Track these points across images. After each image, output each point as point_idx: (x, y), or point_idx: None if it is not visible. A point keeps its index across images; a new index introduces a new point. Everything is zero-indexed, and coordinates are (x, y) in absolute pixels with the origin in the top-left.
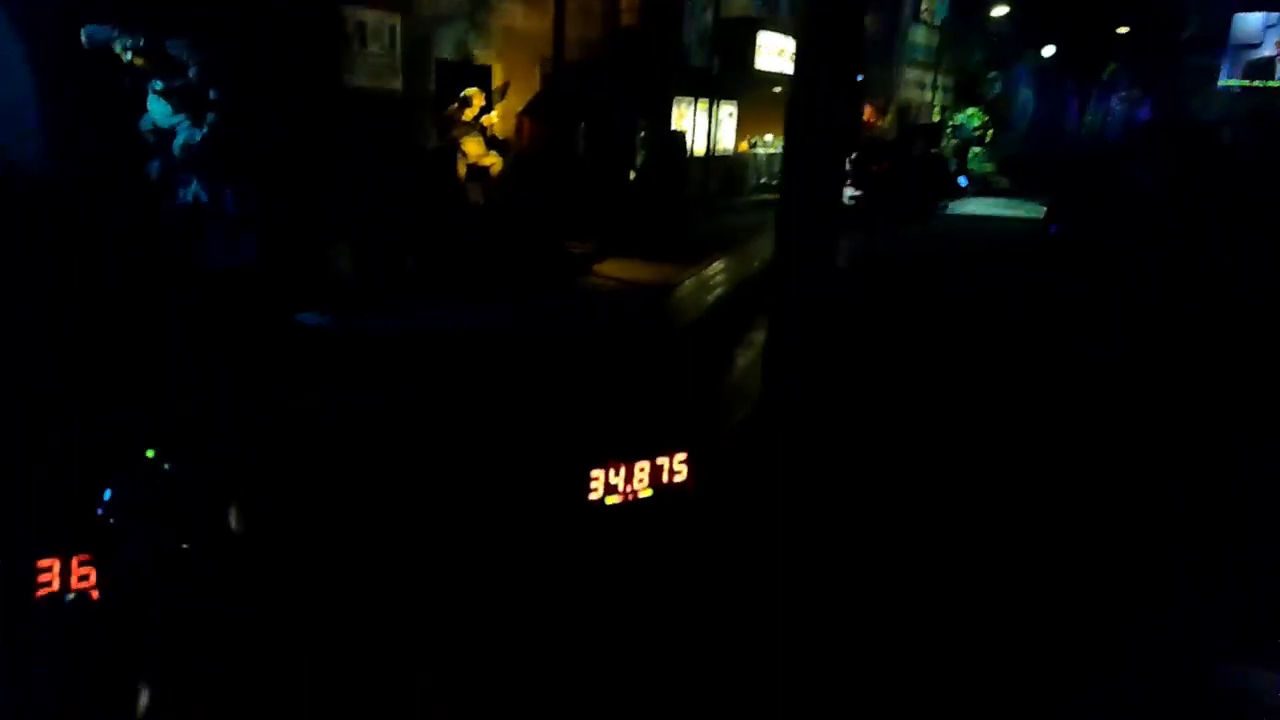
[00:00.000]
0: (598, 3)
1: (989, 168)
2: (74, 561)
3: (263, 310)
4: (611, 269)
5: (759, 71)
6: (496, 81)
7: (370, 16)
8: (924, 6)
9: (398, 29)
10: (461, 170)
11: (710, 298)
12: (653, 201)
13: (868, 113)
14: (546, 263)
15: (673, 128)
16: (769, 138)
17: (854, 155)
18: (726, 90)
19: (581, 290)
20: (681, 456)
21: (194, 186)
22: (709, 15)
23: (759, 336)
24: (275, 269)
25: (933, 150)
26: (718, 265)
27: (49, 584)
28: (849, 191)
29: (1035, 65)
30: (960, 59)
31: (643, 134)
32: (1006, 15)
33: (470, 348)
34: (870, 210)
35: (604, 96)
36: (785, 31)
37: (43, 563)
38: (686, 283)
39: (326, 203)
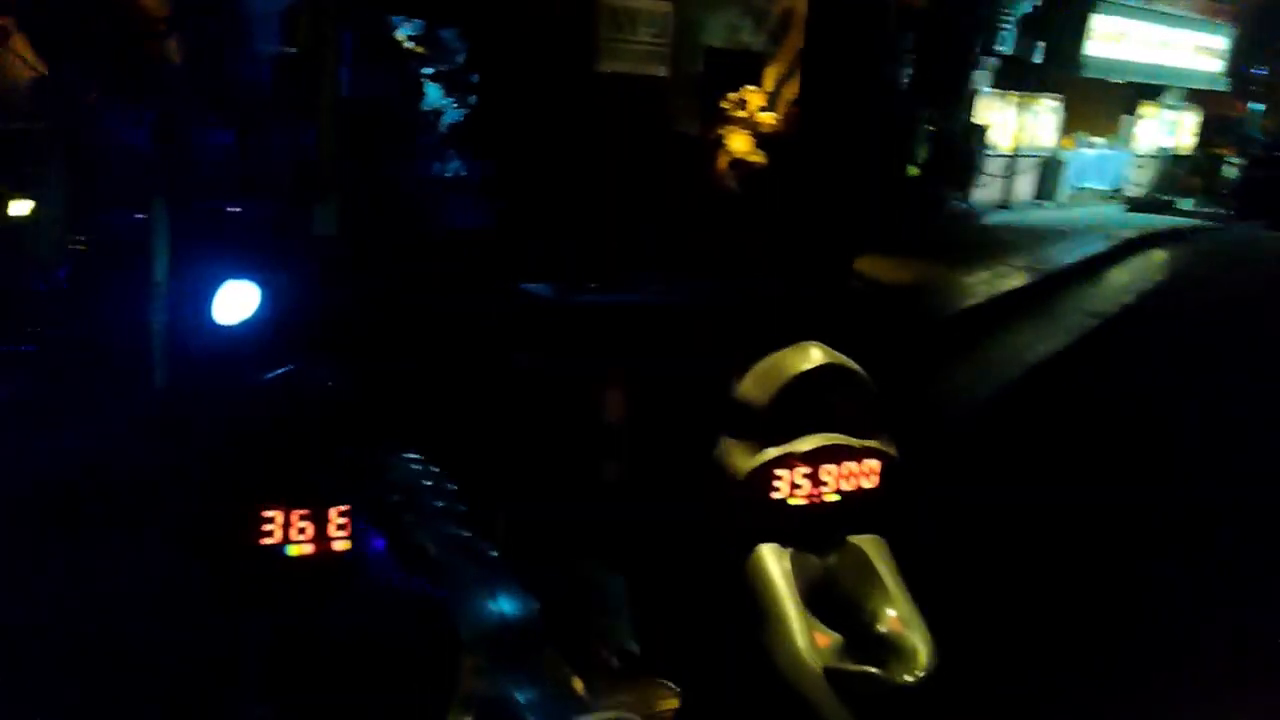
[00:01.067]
0: None
1: None
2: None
3: (490, 273)
4: (865, 265)
5: (1090, 59)
6: (772, 71)
7: (641, 4)
8: None
9: (670, 16)
10: (723, 163)
11: (944, 304)
12: (932, 199)
13: (1241, 108)
14: (791, 254)
15: (974, 121)
16: (1097, 139)
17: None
18: (1047, 82)
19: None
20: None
21: (454, 161)
22: None
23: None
24: (509, 238)
25: None
26: (980, 273)
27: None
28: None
29: None
30: None
31: (930, 127)
32: None
33: (674, 321)
34: None
35: (879, 86)
36: (1129, 14)
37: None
38: (934, 284)
39: (569, 182)
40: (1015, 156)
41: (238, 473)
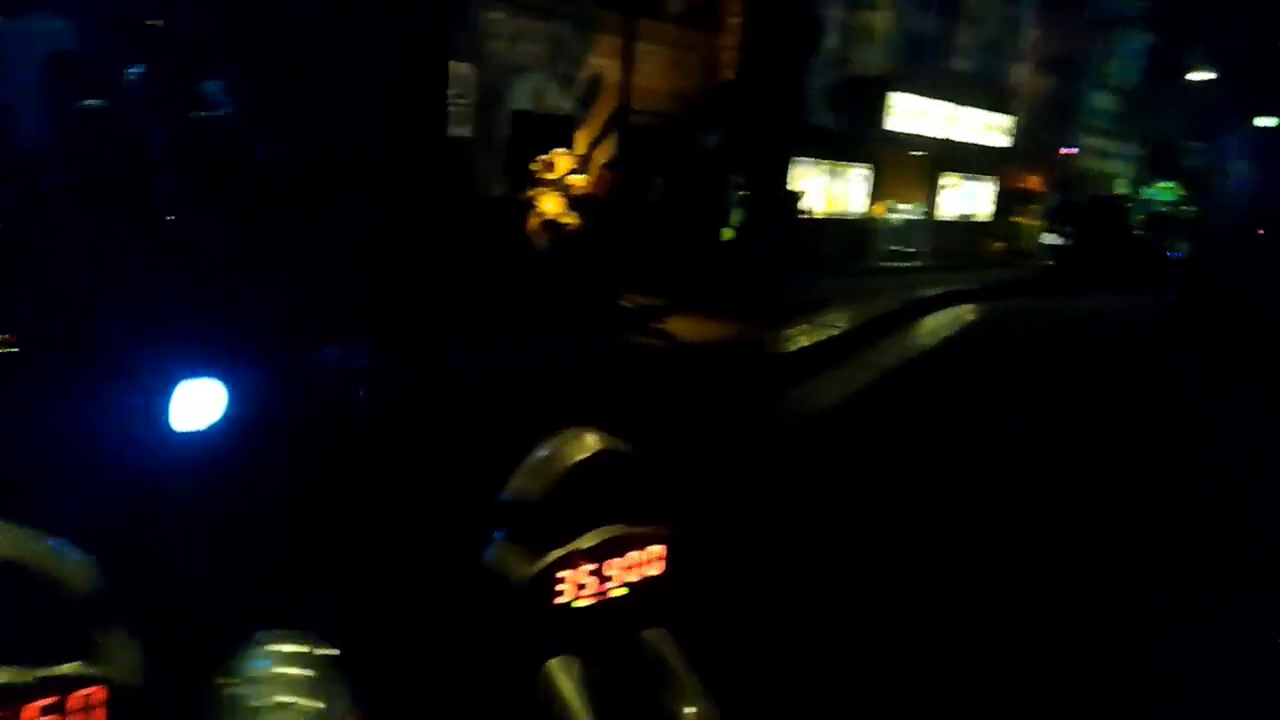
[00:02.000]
0: (695, 56)
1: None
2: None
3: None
4: (674, 325)
5: (891, 133)
6: (582, 135)
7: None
8: (1109, 70)
9: (473, 79)
10: (534, 224)
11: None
12: (746, 261)
13: (1032, 181)
14: (594, 314)
15: (789, 188)
16: (904, 206)
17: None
18: (855, 152)
19: (622, 343)
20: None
21: None
22: (834, 72)
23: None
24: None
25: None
26: (794, 329)
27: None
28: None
29: (1252, 135)
30: (1153, 127)
31: (742, 192)
32: (1212, 81)
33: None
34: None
35: (693, 152)
36: (923, 93)
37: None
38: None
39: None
40: (828, 221)
41: None
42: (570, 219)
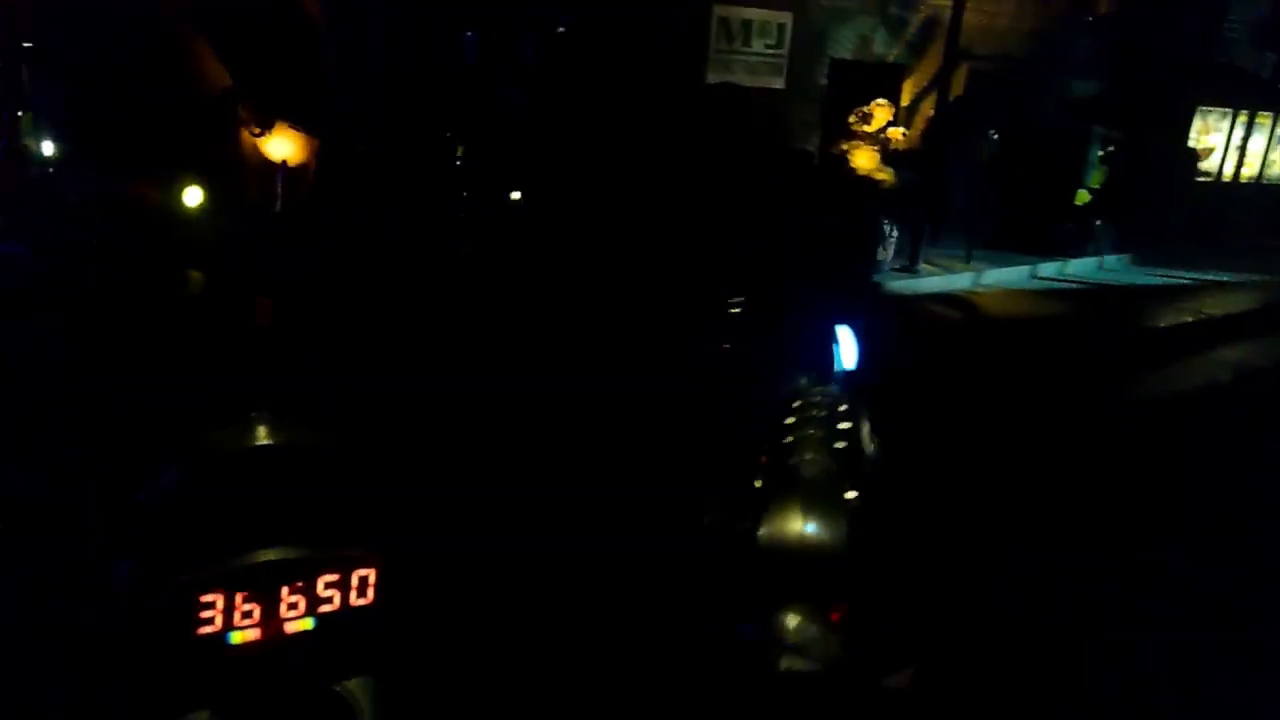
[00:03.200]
0: None
1: None
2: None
3: None
4: (982, 298)
5: None
6: (910, 84)
7: (756, 15)
8: None
9: (787, 27)
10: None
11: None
12: (1099, 230)
13: None
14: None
15: (1188, 144)
16: None
17: None
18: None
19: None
20: None
21: None
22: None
23: None
24: None
25: None
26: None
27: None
28: None
29: None
30: None
31: (1109, 148)
32: None
33: None
34: None
35: (1048, 101)
36: None
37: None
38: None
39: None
40: (1241, 185)
41: None
42: (885, 175)
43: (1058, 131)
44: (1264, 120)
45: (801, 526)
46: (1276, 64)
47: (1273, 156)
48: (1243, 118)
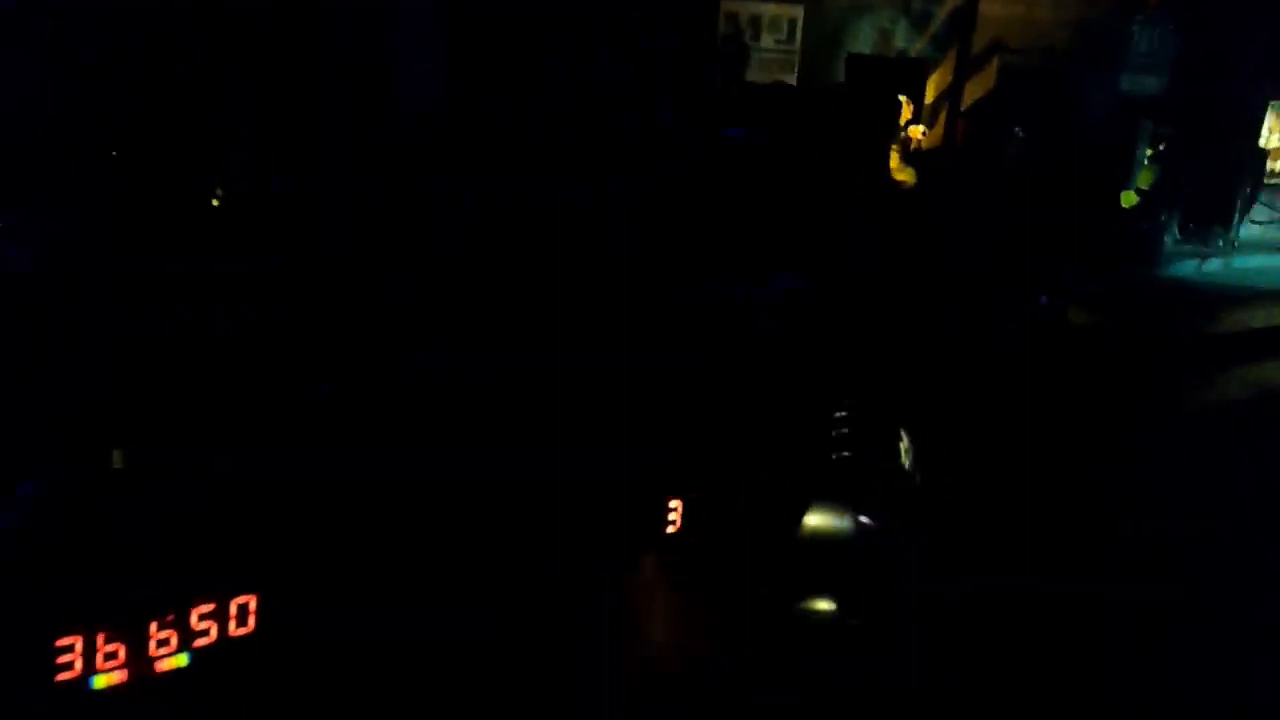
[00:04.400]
0: None
1: None
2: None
3: None
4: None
5: None
6: (935, 80)
7: (766, 9)
8: None
9: (798, 21)
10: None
11: None
12: (1147, 234)
13: None
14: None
15: (1259, 143)
16: None
17: None
18: None
19: None
20: None
21: None
22: None
23: None
24: None
25: None
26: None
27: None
28: None
29: None
30: None
31: (1159, 146)
32: None
33: None
34: None
35: (1091, 97)
36: None
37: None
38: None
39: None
40: None
41: None
42: (905, 175)
43: (1101, 128)
44: None
45: None
46: None
47: None
48: None
